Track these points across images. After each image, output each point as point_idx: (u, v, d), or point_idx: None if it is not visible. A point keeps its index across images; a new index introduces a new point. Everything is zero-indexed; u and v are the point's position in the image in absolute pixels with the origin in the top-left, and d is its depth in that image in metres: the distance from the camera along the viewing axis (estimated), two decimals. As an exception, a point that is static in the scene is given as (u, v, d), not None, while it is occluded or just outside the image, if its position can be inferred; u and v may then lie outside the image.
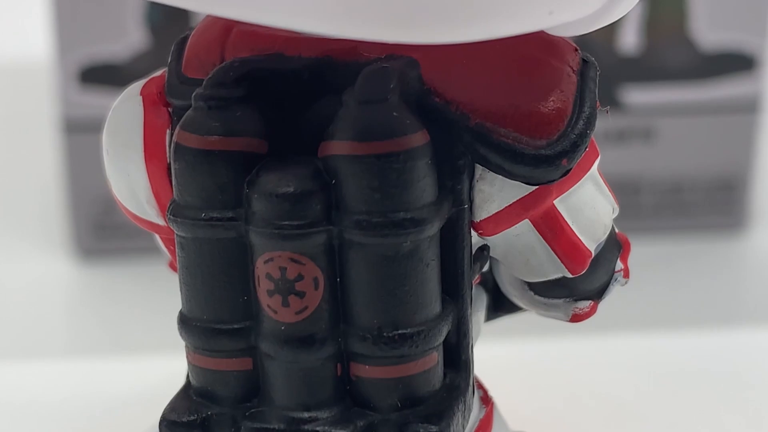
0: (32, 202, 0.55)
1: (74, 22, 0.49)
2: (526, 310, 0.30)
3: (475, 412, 0.29)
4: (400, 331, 0.25)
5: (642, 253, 0.50)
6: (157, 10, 0.49)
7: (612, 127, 0.52)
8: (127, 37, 0.47)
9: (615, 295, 0.43)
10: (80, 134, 0.50)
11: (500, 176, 0.26)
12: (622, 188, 0.53)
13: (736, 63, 0.52)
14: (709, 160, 0.53)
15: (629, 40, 0.51)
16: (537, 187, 0.26)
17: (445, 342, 0.26)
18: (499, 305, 0.30)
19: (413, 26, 0.22)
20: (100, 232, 0.52)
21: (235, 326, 0.26)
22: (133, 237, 0.51)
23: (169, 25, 0.47)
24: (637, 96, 0.52)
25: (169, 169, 0.27)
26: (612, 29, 0.51)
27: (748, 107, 0.52)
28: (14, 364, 0.46)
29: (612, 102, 0.52)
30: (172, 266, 0.29)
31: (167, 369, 0.36)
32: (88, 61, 0.49)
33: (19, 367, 0.46)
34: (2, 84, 0.63)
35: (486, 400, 0.30)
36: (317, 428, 0.26)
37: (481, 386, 0.30)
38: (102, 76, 0.49)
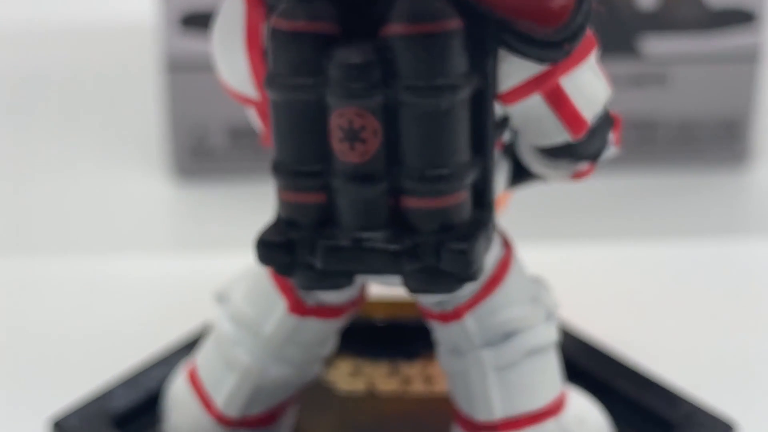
0: (139, 131, 0.58)
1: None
2: (540, 179, 0.34)
3: (496, 251, 0.33)
4: (438, 171, 0.29)
5: (658, 182, 0.54)
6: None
7: (631, 73, 0.53)
8: None
9: (641, 212, 0.46)
10: (181, 73, 0.52)
11: (517, 57, 0.30)
12: (639, 126, 0.54)
13: (739, 18, 0.53)
14: (715, 102, 0.54)
15: (647, -3, 0.52)
16: (546, 66, 0.30)
17: (474, 186, 0.30)
18: (520, 174, 0.34)
19: None
20: (196, 155, 0.54)
21: (314, 168, 0.30)
22: (223, 161, 0.54)
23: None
24: (653, 46, 0.53)
25: (264, 53, 0.31)
26: (631, -13, 0.52)
27: (749, 57, 0.53)
28: (121, 260, 0.49)
29: (631, 50, 0.53)
30: (265, 139, 0.33)
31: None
32: (189, 9, 0.51)
33: (128, 261, 0.49)
34: (115, 35, 0.65)
35: (506, 245, 0.34)
36: (375, 244, 0.30)
37: (503, 235, 0.34)
38: (200, 22, 0.51)
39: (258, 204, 0.45)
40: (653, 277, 0.48)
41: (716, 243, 0.50)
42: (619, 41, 0.53)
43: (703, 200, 0.54)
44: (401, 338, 0.41)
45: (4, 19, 0.68)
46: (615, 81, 0.53)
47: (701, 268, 0.49)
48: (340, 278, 0.31)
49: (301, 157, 0.30)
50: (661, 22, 0.53)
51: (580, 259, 0.49)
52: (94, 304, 0.46)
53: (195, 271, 0.47)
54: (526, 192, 0.51)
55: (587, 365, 0.39)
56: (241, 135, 0.54)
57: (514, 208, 0.47)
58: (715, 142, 0.55)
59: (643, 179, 0.55)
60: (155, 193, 0.54)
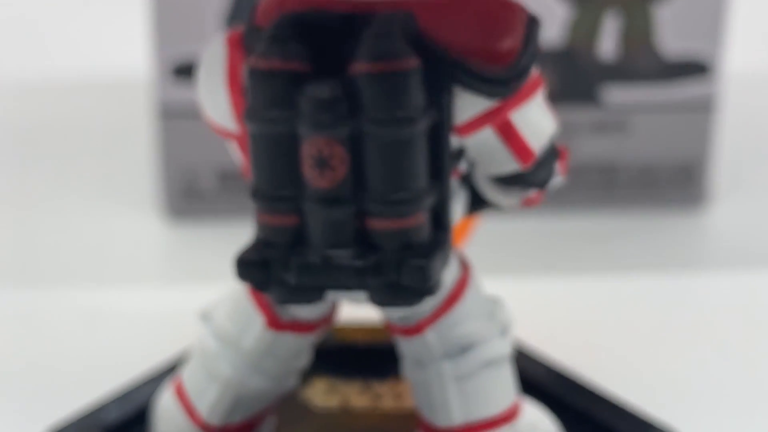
0: (133, 174, 0.60)
1: (168, 29, 0.53)
2: (495, 207, 0.36)
3: (455, 271, 0.36)
4: (399, 195, 0.32)
5: (619, 223, 0.57)
6: (233, 17, 0.52)
7: (593, 120, 0.55)
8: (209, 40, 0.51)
9: (604, 250, 0.48)
10: (173, 120, 0.54)
11: (471, 93, 0.32)
12: (602, 170, 0.56)
13: (694, 69, 0.55)
14: (673, 148, 0.56)
15: (607, 49, 0.55)
16: (497, 102, 0.33)
17: (432, 209, 0.33)
18: (477, 202, 0.36)
19: None
20: (186, 197, 0.56)
21: (288, 193, 0.32)
22: (212, 202, 0.56)
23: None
24: (613, 95, 0.55)
25: (243, 90, 0.33)
26: (593, 40, 0.54)
27: (704, 106, 0.55)
28: (116, 292, 0.51)
29: (593, 100, 0.55)
30: (245, 170, 0.35)
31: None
32: (180, 60, 0.53)
33: (121, 293, 0.50)
34: (110, 87, 0.67)
35: (465, 267, 0.36)
36: (342, 261, 0.32)
37: (462, 258, 0.37)
38: (190, 72, 0.53)
39: (243, 241, 0.47)
40: (613, 307, 0.51)
41: (672, 277, 0.52)
42: (581, 91, 0.56)
43: (661, 239, 0.56)
44: (374, 360, 0.44)
45: (11, 73, 0.70)
46: (579, 128, 0.56)
47: (657, 300, 0.51)
48: (311, 293, 0.33)
49: (276, 183, 0.33)
50: (620, 73, 0.55)
51: (547, 291, 0.51)
52: (89, 331, 0.49)
53: (184, 301, 0.49)
54: (499, 229, 0.54)
55: (543, 381, 0.41)
56: (228, 178, 0.56)
57: (488, 244, 0.50)
58: (673, 185, 0.57)
59: (605, 220, 0.57)
60: (148, 232, 0.56)
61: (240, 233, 0.51)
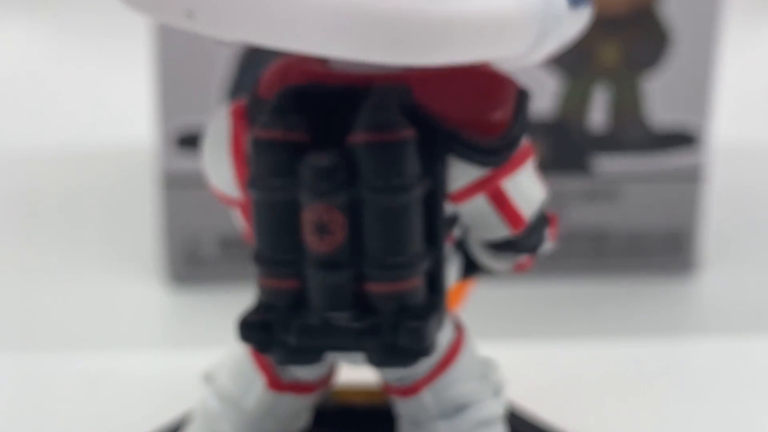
0: (137, 242, 0.60)
1: (173, 100, 0.54)
2: (488, 272, 0.38)
3: (450, 333, 0.37)
4: (396, 260, 0.33)
5: (610, 290, 0.58)
6: (236, 90, 0.53)
7: (584, 189, 0.56)
8: (212, 113, 0.50)
9: (595, 316, 0.48)
10: (176, 188, 0.55)
11: (464, 162, 0.33)
12: (592, 238, 0.57)
13: (681, 140, 0.56)
14: (662, 217, 0.57)
15: (597, 120, 0.55)
16: (489, 170, 0.34)
17: (427, 273, 0.34)
18: (470, 266, 0.38)
19: (399, 51, 0.29)
20: (189, 263, 0.57)
21: (288, 257, 0.33)
22: (214, 268, 0.57)
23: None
24: (603, 165, 0.56)
25: (246, 159, 0.34)
26: (584, 112, 0.55)
27: (692, 176, 0.56)
28: (118, 356, 0.51)
29: (584, 169, 0.56)
30: (248, 235, 0.36)
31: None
32: (184, 131, 0.54)
33: (125, 358, 0.51)
34: (115, 156, 0.69)
35: (459, 329, 0.37)
36: (341, 323, 0.33)
37: (456, 321, 0.38)
38: (194, 142, 0.54)
39: (245, 306, 0.48)
40: (602, 371, 0.51)
41: (662, 343, 0.53)
42: (573, 160, 0.57)
43: (651, 305, 0.56)
44: (371, 422, 0.44)
45: (17, 141, 0.71)
46: (570, 196, 0.57)
47: (646, 365, 0.51)
48: (311, 354, 0.34)
49: (277, 248, 0.34)
50: (610, 143, 0.56)
51: (539, 354, 0.52)
52: (92, 395, 0.49)
53: (186, 365, 0.50)
54: (493, 294, 0.55)
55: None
56: (230, 244, 0.57)
57: (482, 308, 0.51)
58: (662, 252, 0.58)
59: (596, 286, 0.58)
60: (151, 297, 0.57)
61: (241, 299, 0.51)
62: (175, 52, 0.53)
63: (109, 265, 0.59)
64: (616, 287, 0.58)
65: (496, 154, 0.34)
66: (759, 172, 0.69)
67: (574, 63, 0.56)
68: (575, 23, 0.34)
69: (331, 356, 0.36)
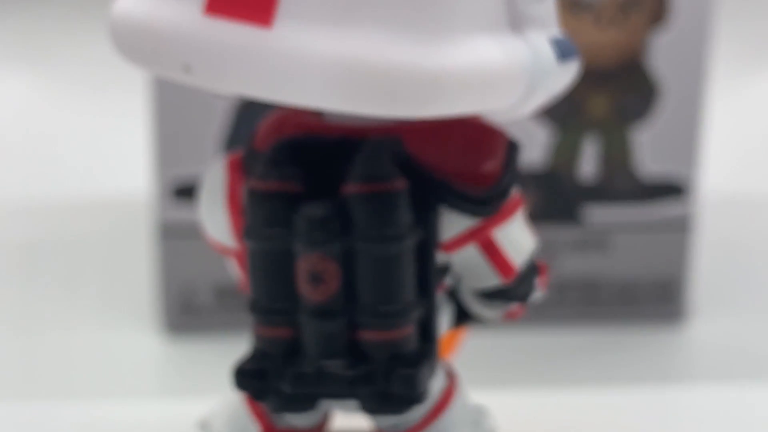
0: (133, 291, 0.60)
1: (169, 152, 0.54)
2: (479, 320, 0.38)
3: (442, 381, 0.37)
4: (388, 308, 0.33)
5: (601, 338, 0.58)
6: (231, 142, 0.54)
7: (575, 239, 0.56)
8: (209, 163, 0.47)
9: (586, 365, 0.49)
10: (172, 238, 0.55)
11: (455, 212, 0.34)
12: (583, 286, 0.57)
13: (670, 191, 0.56)
14: (652, 266, 0.57)
15: (587, 171, 0.56)
16: (480, 220, 0.34)
17: (419, 321, 0.34)
18: (462, 315, 0.38)
19: (392, 104, 0.30)
20: (184, 313, 0.57)
21: (283, 306, 0.34)
22: (209, 317, 0.57)
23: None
24: (594, 215, 0.56)
25: (242, 210, 0.35)
26: (574, 162, 0.55)
27: (681, 226, 0.56)
28: (114, 405, 0.51)
29: (575, 219, 0.56)
30: (243, 285, 0.37)
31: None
32: (180, 182, 0.54)
33: (122, 406, 0.51)
34: (112, 207, 0.69)
35: (451, 377, 0.38)
36: (335, 371, 0.34)
37: (449, 369, 0.38)
38: (190, 193, 0.54)
39: (239, 355, 0.48)
40: (594, 419, 0.50)
41: (652, 391, 0.53)
42: (563, 210, 0.57)
43: (642, 354, 0.56)
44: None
45: (16, 192, 0.72)
46: (561, 246, 0.57)
47: (637, 413, 0.51)
48: (305, 402, 0.35)
49: (272, 296, 0.34)
50: (600, 193, 0.56)
51: (530, 402, 0.52)
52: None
53: (182, 413, 0.49)
54: (485, 342, 0.55)
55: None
56: (225, 294, 0.58)
57: (473, 356, 0.51)
58: (653, 301, 0.58)
59: (587, 335, 0.58)
60: (148, 347, 0.57)
61: (236, 347, 0.51)
62: (172, 104, 0.53)
63: (105, 314, 0.59)
64: (607, 336, 0.58)
65: (487, 204, 0.34)
66: (747, 221, 0.70)
67: (564, 115, 0.56)
68: (563, 76, 0.34)
69: (325, 404, 0.36)
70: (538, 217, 0.55)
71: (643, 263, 0.58)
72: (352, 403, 0.35)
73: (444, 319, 0.37)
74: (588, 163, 0.56)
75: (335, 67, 0.30)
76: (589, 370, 0.55)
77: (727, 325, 0.59)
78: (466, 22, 0.31)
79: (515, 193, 0.36)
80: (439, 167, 0.34)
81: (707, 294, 0.61)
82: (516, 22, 0.33)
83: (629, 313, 0.58)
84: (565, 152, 0.56)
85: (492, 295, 0.36)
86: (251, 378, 0.35)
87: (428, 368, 0.35)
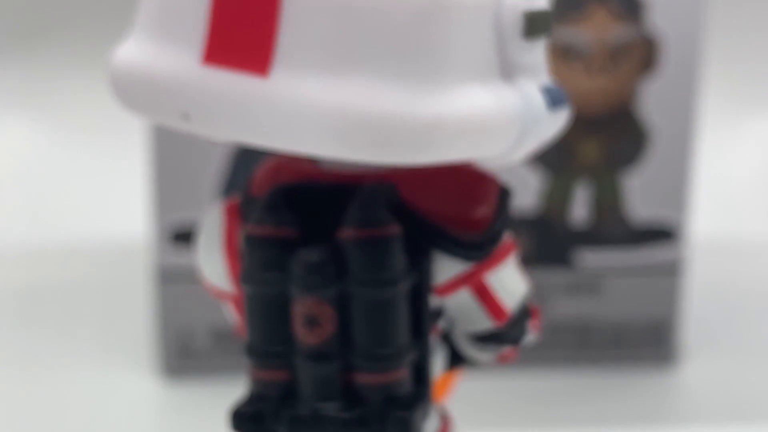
0: (131, 335, 0.61)
1: (167, 197, 0.55)
2: (473, 363, 0.38)
3: (434, 424, 0.37)
4: (383, 351, 0.33)
5: (593, 381, 0.59)
6: (228, 188, 0.55)
7: (568, 283, 0.57)
8: (206, 210, 0.50)
9: (579, 407, 0.49)
10: (169, 282, 0.56)
11: (448, 257, 0.34)
12: (576, 329, 0.58)
13: (660, 235, 0.57)
14: (643, 309, 0.58)
15: (579, 217, 0.57)
16: (473, 265, 0.34)
17: (413, 364, 0.34)
18: (456, 358, 0.38)
19: (386, 152, 0.30)
20: (182, 357, 0.57)
21: (279, 349, 0.34)
22: (207, 361, 0.57)
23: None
24: (586, 259, 0.57)
25: (239, 255, 0.35)
26: (566, 208, 0.56)
27: (671, 270, 0.57)
28: None
29: (567, 263, 0.57)
30: (240, 329, 0.37)
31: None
32: (178, 226, 0.55)
33: None
34: (111, 252, 0.69)
35: (444, 419, 0.38)
36: (330, 413, 0.34)
37: (442, 411, 0.38)
38: (187, 239, 0.55)
39: (236, 398, 0.48)
40: None
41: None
42: (556, 255, 0.58)
43: (633, 397, 0.57)
44: None
45: (13, 237, 0.72)
46: (554, 290, 0.58)
47: None
48: (301, 444, 0.35)
49: (268, 340, 0.34)
50: (591, 238, 0.57)
51: None
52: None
53: None
54: (478, 385, 0.56)
55: None
56: (222, 338, 0.58)
57: (467, 399, 0.51)
58: (644, 344, 0.59)
59: (579, 377, 0.58)
60: (145, 390, 0.57)
61: (233, 390, 0.52)
62: (170, 150, 0.54)
63: (103, 358, 0.60)
64: (599, 378, 0.58)
65: (480, 249, 0.35)
66: (736, 264, 0.70)
67: (556, 161, 0.57)
68: (554, 123, 0.35)
69: (321, 446, 0.36)
70: (530, 261, 0.56)
71: (634, 307, 0.58)
72: (348, 445, 0.35)
73: (438, 362, 0.37)
74: (579, 208, 0.57)
75: (331, 115, 0.30)
76: (582, 413, 0.55)
77: (717, 368, 0.59)
78: (459, 71, 0.31)
79: (507, 237, 0.36)
80: (432, 213, 0.34)
81: (698, 337, 0.61)
82: (507, 71, 0.33)
83: (621, 355, 0.59)
84: (557, 197, 0.57)
85: (485, 338, 0.37)
86: (248, 421, 0.35)
87: (422, 411, 0.35)
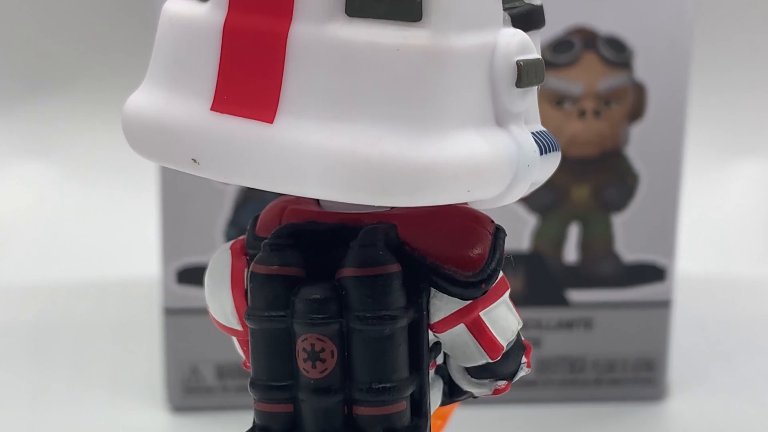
0: (137, 369, 0.61)
1: (176, 237, 0.56)
2: (468, 395, 0.38)
3: (433, 455, 0.38)
4: (382, 385, 0.34)
5: (586, 413, 0.59)
6: (234, 229, 0.55)
7: (561, 318, 0.57)
8: (213, 250, 0.49)
9: None
10: (177, 319, 0.57)
11: (445, 295, 0.35)
12: (569, 365, 0.58)
13: (651, 273, 0.57)
14: (634, 344, 0.58)
15: (571, 256, 0.57)
16: (468, 302, 0.35)
17: (412, 397, 0.35)
18: (452, 391, 0.38)
19: (386, 194, 0.31)
20: (187, 392, 0.57)
21: (283, 383, 0.34)
22: (212, 396, 0.58)
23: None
24: (578, 296, 0.58)
25: (245, 293, 0.36)
26: (559, 247, 0.57)
27: (661, 305, 0.58)
28: None
29: (561, 300, 0.57)
30: (246, 366, 0.37)
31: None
32: (186, 265, 0.56)
33: None
34: (119, 289, 0.70)
35: (443, 450, 0.39)
36: None
37: (441, 443, 0.40)
38: (193, 276, 0.56)
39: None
40: None
41: None
42: (550, 292, 0.58)
43: (625, 429, 0.57)
44: None
45: (28, 275, 0.73)
46: (548, 325, 0.59)
47: None
48: (305, 476, 0.35)
49: (272, 374, 0.35)
50: (584, 276, 0.58)
51: None
52: None
53: None
54: (474, 417, 0.56)
55: None
56: (227, 373, 0.59)
57: (463, 431, 0.52)
58: (635, 378, 0.59)
59: (573, 410, 0.59)
60: (152, 426, 0.57)
61: (238, 425, 0.52)
62: (180, 191, 0.55)
63: (112, 393, 0.60)
64: (591, 412, 0.59)
65: (475, 287, 0.35)
66: (723, 302, 0.71)
67: (549, 202, 0.58)
68: (546, 167, 0.35)
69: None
70: (526, 298, 0.57)
71: (625, 342, 0.59)
72: (349, 476, 0.36)
73: (435, 395, 0.38)
74: (572, 248, 0.57)
75: (333, 160, 0.31)
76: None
77: (706, 403, 0.59)
78: (455, 118, 0.32)
79: (501, 276, 0.36)
80: (429, 252, 0.35)
81: (687, 372, 0.61)
82: (501, 117, 0.34)
83: (613, 388, 0.59)
84: (550, 237, 0.58)
85: (480, 373, 0.37)
86: (254, 452, 0.35)
87: (420, 443, 0.35)
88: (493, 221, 0.37)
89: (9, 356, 0.63)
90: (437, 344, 0.37)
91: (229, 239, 0.49)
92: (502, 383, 0.38)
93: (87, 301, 0.70)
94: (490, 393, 0.38)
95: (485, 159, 0.32)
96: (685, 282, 0.65)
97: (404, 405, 0.35)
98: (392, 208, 0.35)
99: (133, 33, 0.79)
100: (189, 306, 0.56)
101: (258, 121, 0.32)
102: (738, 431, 0.57)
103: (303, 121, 0.31)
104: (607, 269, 0.57)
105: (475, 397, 0.39)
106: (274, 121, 0.32)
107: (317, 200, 0.36)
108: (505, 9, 0.34)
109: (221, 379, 0.59)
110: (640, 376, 0.59)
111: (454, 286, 0.35)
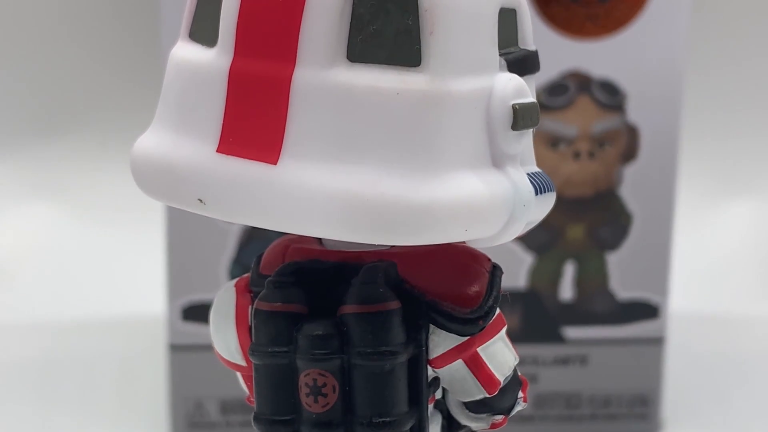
0: (143, 405, 0.61)
1: (182, 275, 0.56)
2: (468, 430, 0.39)
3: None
4: (383, 419, 0.34)
5: None
6: (238, 267, 0.56)
7: (557, 355, 0.58)
8: (217, 287, 0.49)
9: None
10: (181, 356, 0.57)
11: (444, 331, 0.35)
12: (564, 400, 0.58)
13: (644, 310, 0.58)
14: (629, 380, 0.58)
15: (567, 294, 0.57)
16: (466, 338, 0.35)
17: (411, 431, 0.35)
18: (451, 425, 0.38)
19: (385, 233, 0.31)
20: (191, 426, 0.57)
21: (286, 417, 0.35)
22: (217, 430, 0.58)
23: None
24: (574, 333, 0.58)
25: (250, 329, 0.36)
26: (555, 285, 0.57)
27: (655, 342, 0.58)
28: None
29: (557, 337, 0.57)
30: (249, 400, 0.37)
31: None
32: (192, 302, 0.56)
33: None
34: (124, 326, 0.70)
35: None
36: None
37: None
38: (198, 313, 0.56)
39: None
40: None
41: None
42: (546, 329, 0.58)
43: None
44: None
45: (38, 312, 0.73)
46: (544, 361, 0.59)
47: None
48: (309, 508, 0.35)
49: (276, 408, 0.35)
50: (579, 313, 0.58)
51: None
52: None
53: None
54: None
55: None
56: (230, 408, 0.59)
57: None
58: (630, 413, 0.59)
59: (569, 445, 0.59)
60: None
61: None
62: (185, 232, 0.55)
63: (116, 428, 0.60)
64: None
65: (473, 323, 0.35)
66: (716, 338, 0.71)
67: (545, 241, 0.58)
68: (541, 207, 0.36)
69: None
70: (522, 335, 0.57)
71: (620, 377, 0.59)
72: (350, 507, 0.36)
73: (434, 429, 0.38)
74: (567, 286, 0.58)
75: (335, 200, 0.31)
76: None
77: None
78: (453, 159, 0.32)
79: (498, 313, 0.36)
80: (428, 289, 0.35)
81: (681, 407, 0.61)
82: (498, 158, 0.34)
83: (609, 424, 0.59)
84: (546, 276, 0.58)
85: (477, 407, 0.37)
86: (257, 485, 0.35)
87: (419, 475, 0.35)
88: (490, 259, 0.37)
89: (16, 392, 0.63)
90: (436, 379, 0.37)
91: (233, 277, 0.49)
92: (499, 418, 0.38)
93: (93, 338, 0.70)
94: (488, 427, 0.38)
95: (482, 199, 0.33)
96: (678, 319, 0.65)
97: (404, 439, 0.35)
98: (392, 246, 0.35)
99: (140, 76, 0.79)
100: (194, 342, 0.56)
101: (262, 163, 0.32)
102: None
103: (306, 163, 0.32)
104: (601, 306, 0.58)
105: (473, 431, 0.39)
106: (278, 162, 0.32)
107: (319, 239, 0.36)
108: (501, 54, 0.34)
109: (225, 414, 0.59)
110: (635, 412, 0.59)
111: (452, 323, 0.35)
